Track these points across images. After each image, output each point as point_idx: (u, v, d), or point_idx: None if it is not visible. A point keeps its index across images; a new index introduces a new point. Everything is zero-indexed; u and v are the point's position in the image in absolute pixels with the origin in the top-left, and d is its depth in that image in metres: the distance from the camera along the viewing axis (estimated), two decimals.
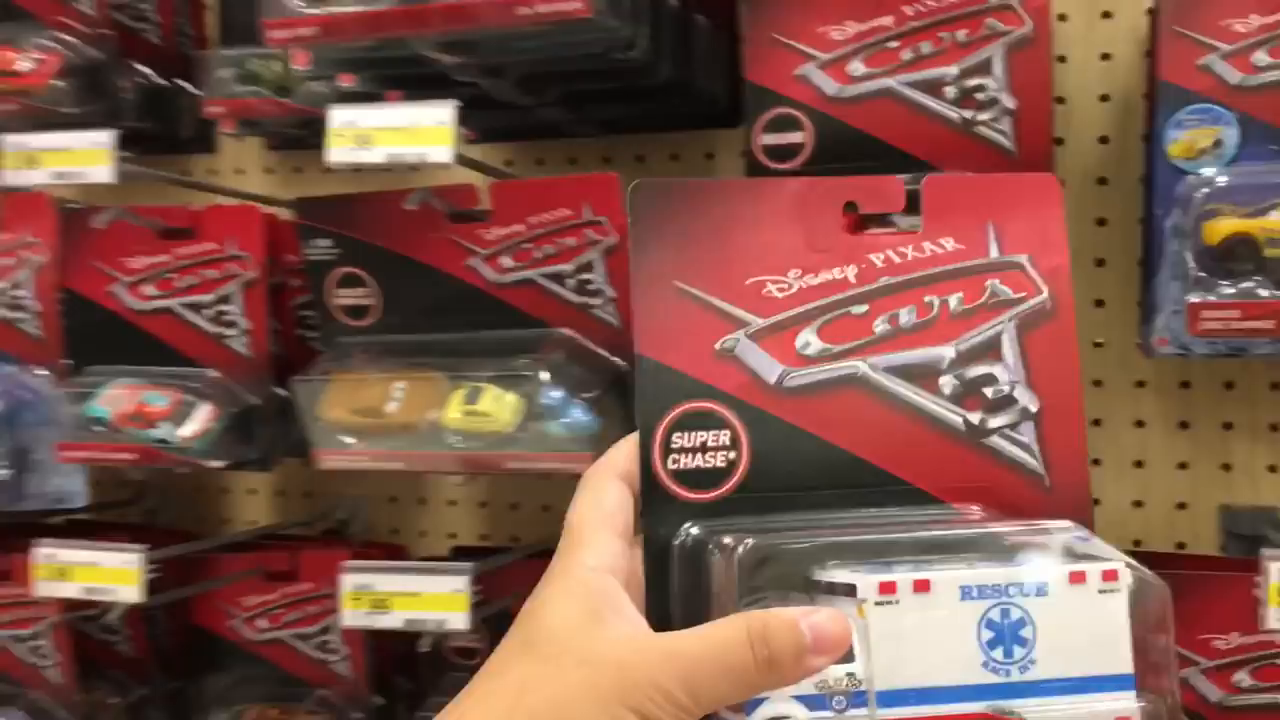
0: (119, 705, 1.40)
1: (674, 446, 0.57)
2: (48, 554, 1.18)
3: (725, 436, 0.57)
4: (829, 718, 0.52)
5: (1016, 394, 0.59)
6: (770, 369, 0.58)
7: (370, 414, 1.13)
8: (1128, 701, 0.54)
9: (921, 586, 0.53)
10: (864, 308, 0.59)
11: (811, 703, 0.52)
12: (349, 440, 1.12)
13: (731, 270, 0.59)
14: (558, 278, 1.15)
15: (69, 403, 1.17)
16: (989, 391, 0.59)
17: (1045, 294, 0.61)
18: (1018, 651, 0.53)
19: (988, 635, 0.53)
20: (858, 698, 0.53)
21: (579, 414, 1.10)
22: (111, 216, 1.17)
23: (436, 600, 1.10)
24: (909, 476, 0.58)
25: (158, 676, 1.42)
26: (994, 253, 0.61)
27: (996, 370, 0.59)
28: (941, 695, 0.53)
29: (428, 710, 1.26)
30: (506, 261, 1.15)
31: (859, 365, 0.59)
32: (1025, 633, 0.54)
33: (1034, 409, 0.59)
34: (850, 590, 0.53)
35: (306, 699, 1.33)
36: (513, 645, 0.54)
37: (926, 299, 0.60)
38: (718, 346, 0.58)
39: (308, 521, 1.42)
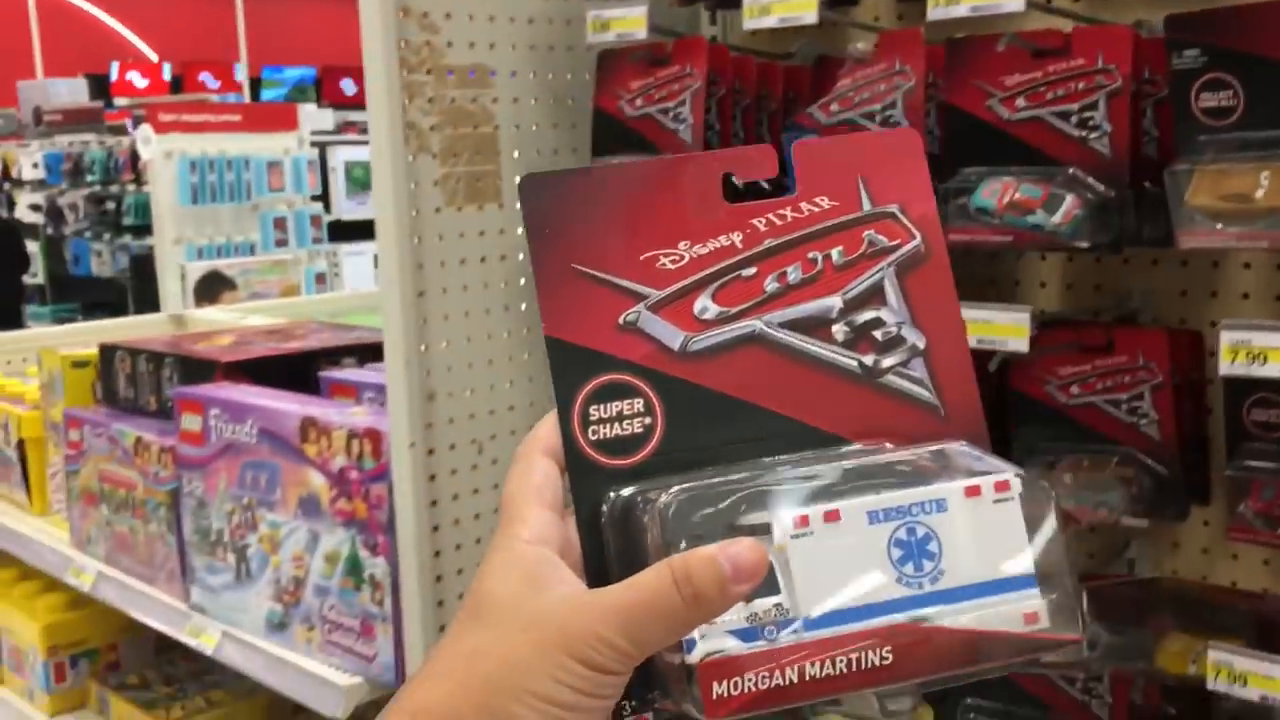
0: None
1: (592, 418, 0.60)
2: None
3: (639, 404, 0.60)
4: (762, 646, 0.55)
5: (904, 333, 0.63)
6: (673, 336, 0.61)
7: (1238, 199, 1.30)
8: (1032, 599, 0.58)
9: (831, 516, 0.57)
10: (753, 270, 0.62)
11: (745, 635, 0.55)
12: (1215, 225, 1.29)
13: (624, 248, 0.62)
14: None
15: (953, 196, 1.44)
16: (878, 334, 0.62)
17: (918, 239, 0.64)
18: (926, 565, 0.57)
19: (898, 553, 0.57)
20: (786, 624, 0.56)
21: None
22: (1007, 41, 1.41)
23: None
24: (817, 422, 0.61)
25: None
26: (867, 206, 0.64)
27: (883, 314, 0.63)
28: (862, 613, 0.56)
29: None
30: None
31: (755, 324, 0.62)
32: (931, 547, 0.57)
33: (921, 345, 0.63)
34: (767, 529, 0.57)
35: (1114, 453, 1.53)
36: (462, 617, 0.58)
37: (810, 255, 0.63)
38: (621, 321, 0.61)
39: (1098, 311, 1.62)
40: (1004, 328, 1.43)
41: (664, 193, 0.62)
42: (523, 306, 1.75)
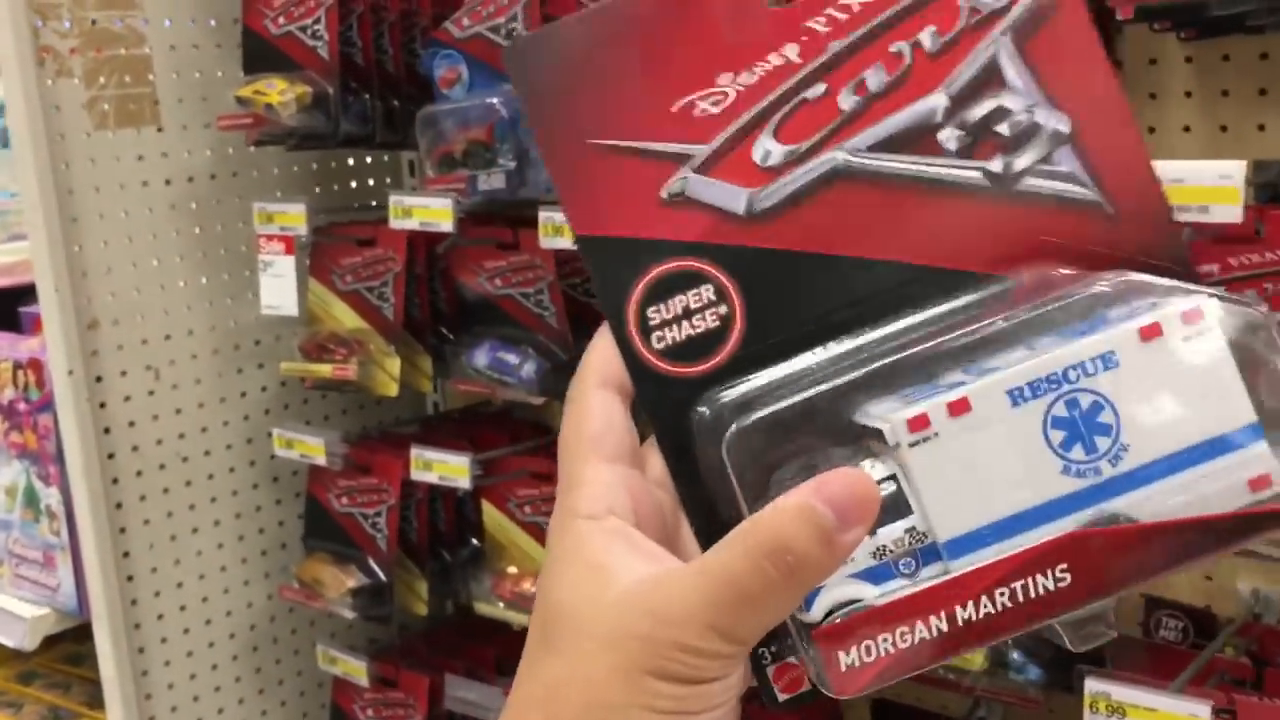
0: None
1: (653, 322, 0.48)
2: None
3: (709, 291, 0.48)
4: (902, 586, 0.45)
5: (1038, 119, 0.48)
6: (734, 198, 0.48)
7: None
8: (1260, 457, 0.44)
9: (959, 408, 0.45)
10: (821, 87, 0.49)
11: (876, 575, 0.45)
12: None
13: (650, 103, 0.48)
14: None
15: None
16: (1004, 128, 0.48)
17: None
18: (1101, 443, 0.45)
19: (1059, 436, 0.45)
20: (927, 554, 0.45)
21: None
22: None
23: None
24: (939, 260, 0.48)
25: None
26: None
27: (1005, 99, 0.48)
28: (1022, 523, 0.44)
29: None
30: None
31: (836, 155, 0.48)
32: (1104, 418, 0.45)
33: (1066, 129, 0.48)
34: (879, 435, 0.45)
35: None
36: (534, 638, 0.46)
37: (893, 48, 0.49)
38: (664, 195, 0.48)
39: None
40: None
41: (686, 17, 0.49)
42: (196, 230, 1.75)
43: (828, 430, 0.46)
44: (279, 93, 1.51)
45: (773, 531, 0.42)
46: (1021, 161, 0.48)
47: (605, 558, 0.45)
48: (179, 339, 1.73)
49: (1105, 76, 0.48)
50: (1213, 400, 0.45)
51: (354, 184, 1.91)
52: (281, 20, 1.59)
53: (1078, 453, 0.45)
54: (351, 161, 1.90)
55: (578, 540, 0.46)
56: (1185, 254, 0.47)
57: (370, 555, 1.69)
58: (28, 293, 2.07)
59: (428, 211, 1.46)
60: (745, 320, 0.48)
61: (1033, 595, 0.44)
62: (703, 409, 0.47)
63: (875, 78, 0.49)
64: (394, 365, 1.61)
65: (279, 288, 1.64)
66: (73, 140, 1.60)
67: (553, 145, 0.49)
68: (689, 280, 0.48)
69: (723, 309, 0.48)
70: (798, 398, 0.46)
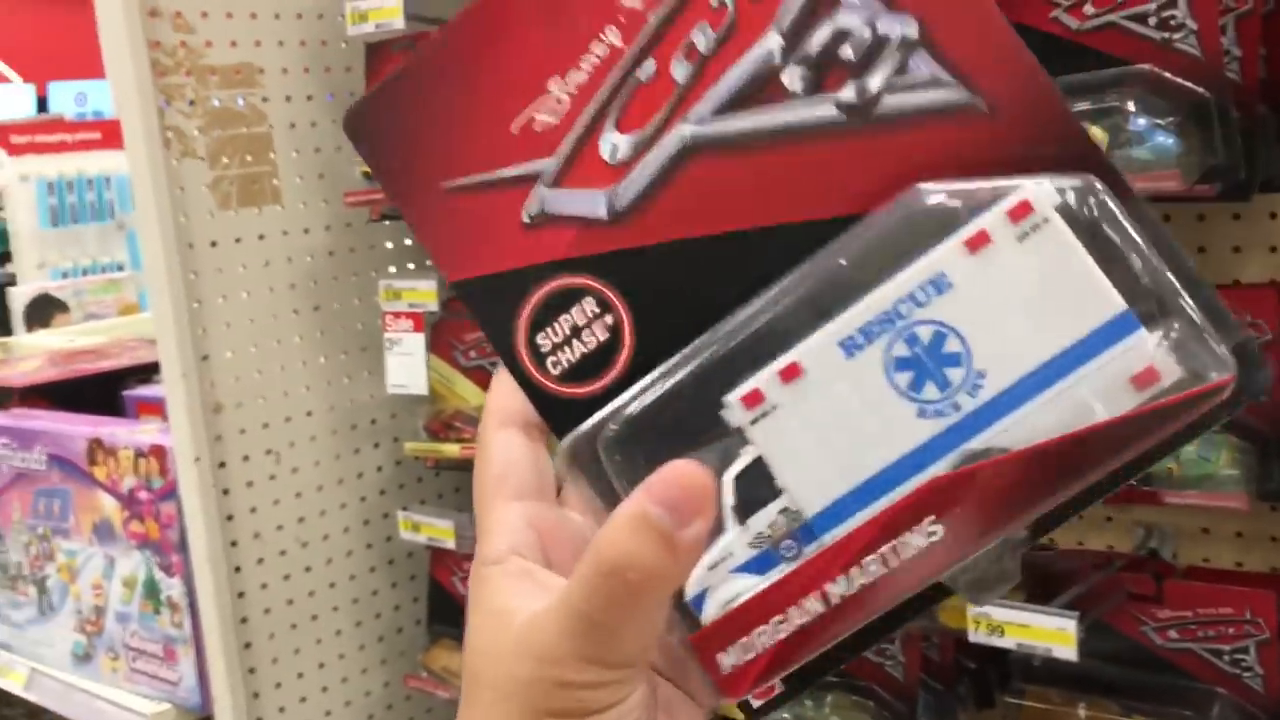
0: None
1: (544, 350, 0.46)
2: None
3: (591, 304, 0.45)
4: (788, 570, 0.41)
5: (881, 29, 0.42)
6: (593, 203, 0.45)
7: None
8: (1138, 347, 0.39)
9: (790, 373, 0.41)
10: (651, 64, 0.45)
11: (759, 565, 0.42)
12: None
13: (490, 130, 0.46)
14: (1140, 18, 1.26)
15: None
16: (847, 51, 0.43)
17: None
18: (953, 375, 0.40)
19: (905, 378, 0.41)
20: (806, 534, 0.42)
21: (1162, 138, 1.22)
22: None
23: None
24: (813, 214, 0.43)
25: None
26: None
27: (841, 20, 0.43)
28: (888, 481, 0.41)
29: None
30: None
31: (683, 131, 0.44)
32: (951, 347, 0.40)
33: (914, 33, 0.42)
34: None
35: None
36: (464, 688, 0.45)
37: (713, 2, 0.44)
38: (525, 219, 0.46)
39: None
40: None
41: (499, 34, 0.46)
42: (314, 308, 1.71)
43: (706, 420, 0.43)
44: None
45: (610, 548, 0.40)
46: (874, 82, 0.43)
47: (505, 602, 0.43)
48: (298, 420, 1.69)
49: None
50: (1070, 298, 0.39)
51: None
52: None
53: (930, 391, 0.40)
54: None
55: (484, 588, 0.44)
56: (1084, 139, 0.41)
57: None
58: (127, 376, 2.04)
59: None
60: (635, 326, 0.45)
61: (906, 557, 0.40)
62: (609, 425, 0.45)
63: (701, 37, 0.44)
64: None
65: (407, 366, 1.60)
66: (196, 221, 1.57)
67: (407, 198, 0.47)
68: (569, 298, 0.46)
69: (609, 319, 0.45)
70: (663, 390, 0.44)
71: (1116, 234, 0.40)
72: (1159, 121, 1.20)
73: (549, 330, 0.46)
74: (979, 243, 0.40)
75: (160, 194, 1.52)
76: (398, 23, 1.48)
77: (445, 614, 1.69)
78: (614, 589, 0.39)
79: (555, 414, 0.46)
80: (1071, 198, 0.40)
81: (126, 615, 1.67)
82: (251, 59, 1.62)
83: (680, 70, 0.45)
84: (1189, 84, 1.21)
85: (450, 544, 1.61)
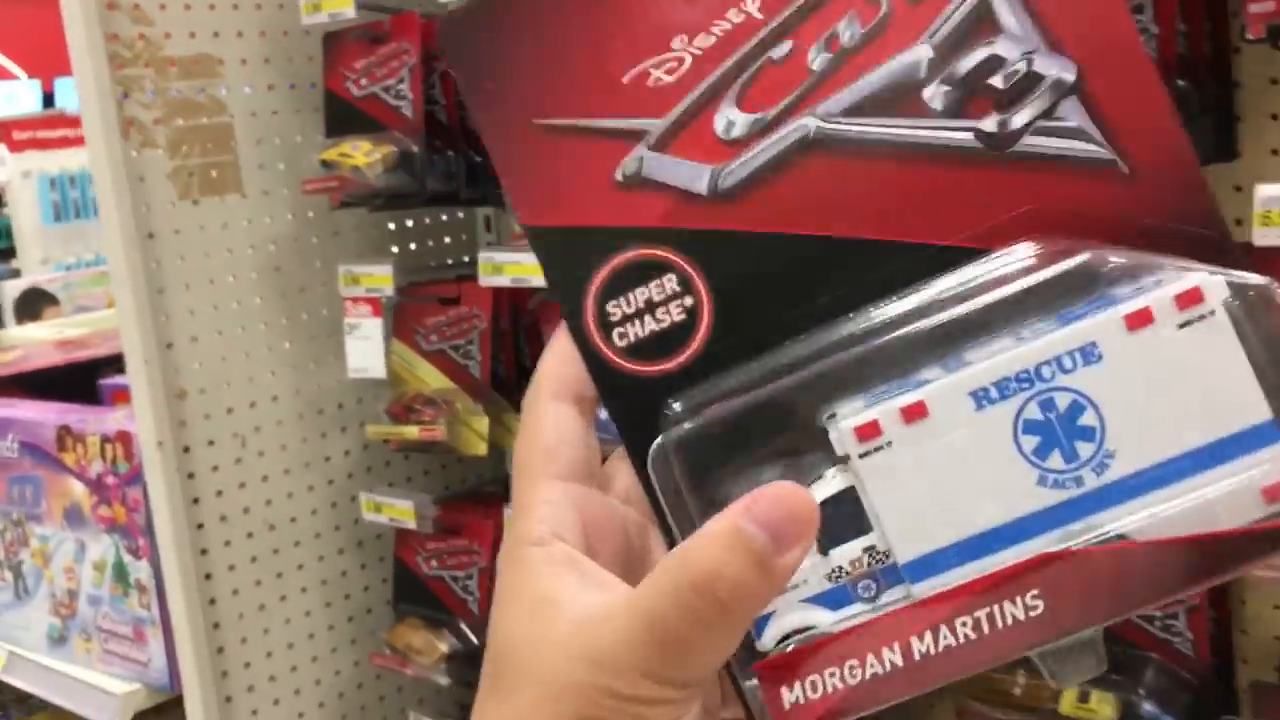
0: None
1: (614, 319, 0.43)
2: None
3: (672, 281, 0.43)
4: (861, 611, 0.40)
5: (1037, 67, 0.41)
6: (696, 176, 0.43)
7: None
8: (1277, 458, 0.37)
9: (914, 413, 0.39)
10: (787, 45, 0.42)
11: (832, 599, 0.40)
12: None
13: (599, 73, 0.43)
14: None
15: None
16: (998, 80, 0.41)
17: None
18: (1083, 450, 0.38)
19: (1033, 442, 0.39)
20: (889, 575, 0.40)
21: None
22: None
23: None
24: (929, 237, 0.41)
25: None
26: None
27: (999, 47, 0.41)
28: (993, 541, 0.39)
29: None
30: None
31: (807, 123, 0.42)
32: (1086, 420, 0.39)
33: (1070, 77, 0.40)
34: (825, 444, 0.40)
35: None
36: (485, 674, 0.42)
37: None
38: (619, 177, 0.43)
39: None
40: None
41: None
42: (279, 295, 1.74)
43: (794, 433, 0.41)
44: (364, 154, 1.51)
45: (701, 562, 0.37)
46: (1020, 118, 0.41)
47: (551, 590, 0.40)
48: (264, 406, 1.72)
49: (1116, 12, 0.40)
50: (1217, 396, 0.38)
51: (430, 243, 1.90)
52: (364, 82, 1.59)
53: (1055, 460, 0.39)
54: (428, 221, 1.90)
55: (523, 570, 0.41)
56: (1217, 216, 0.39)
57: (462, 619, 1.66)
58: (104, 365, 2.07)
59: (519, 268, 1.45)
60: (714, 312, 0.43)
61: (1000, 626, 0.38)
62: (669, 411, 0.42)
63: (848, 30, 0.42)
64: (482, 424, 1.59)
65: (366, 350, 1.63)
66: (158, 211, 1.60)
67: (493, 125, 0.44)
68: (649, 270, 0.43)
69: (688, 300, 0.43)
70: (755, 397, 0.41)
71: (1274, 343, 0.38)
72: None
73: (622, 300, 0.43)
74: (1139, 321, 0.38)
75: (120, 184, 1.54)
76: (349, 12, 1.51)
77: (410, 593, 1.72)
78: (699, 605, 0.37)
79: (609, 387, 0.43)
80: (1242, 295, 0.38)
81: (98, 598, 1.71)
82: (210, 50, 1.64)
83: (818, 59, 0.42)
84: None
85: (411, 524, 1.64)
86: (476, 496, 1.73)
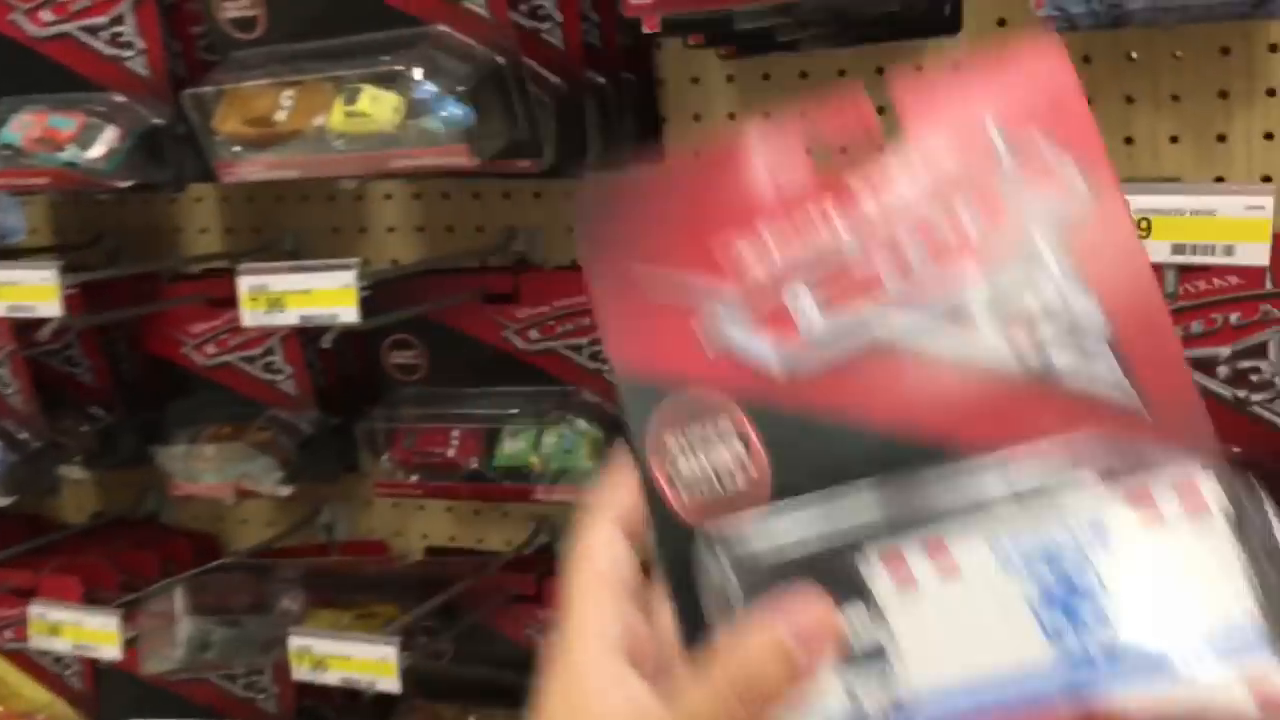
0: (89, 432, 1.50)
1: (682, 470, 0.48)
2: None
3: (739, 448, 0.48)
4: None
5: (1075, 309, 0.48)
6: (770, 354, 0.49)
7: (261, 124, 1.15)
8: (1264, 667, 0.41)
9: (948, 569, 0.45)
10: (858, 247, 0.49)
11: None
12: (238, 150, 1.13)
13: (692, 235, 0.50)
14: None
15: None
16: (1045, 326, 0.48)
17: (1079, 179, 0.48)
18: (1086, 614, 0.44)
19: (1042, 602, 0.44)
20: (899, 710, 0.43)
21: (454, 108, 1.09)
22: None
23: None
24: (973, 438, 0.47)
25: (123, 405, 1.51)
26: (1000, 145, 0.49)
27: (1044, 288, 0.48)
28: (995, 689, 0.44)
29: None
30: None
31: (873, 323, 0.49)
32: (1087, 585, 0.44)
33: (1104, 323, 0.48)
34: (857, 579, 0.45)
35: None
36: None
37: (933, 218, 0.49)
38: (702, 337, 0.49)
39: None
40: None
41: (737, 168, 0.50)
42: None
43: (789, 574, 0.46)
44: None
45: (744, 667, 0.43)
46: (1061, 359, 0.47)
47: (595, 694, 0.45)
48: None
49: (1142, 268, 0.48)
50: (1207, 589, 0.43)
51: None
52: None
53: (1060, 619, 0.43)
54: None
55: (572, 675, 0.46)
56: (1222, 454, 0.46)
57: None
58: None
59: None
60: (772, 486, 0.48)
61: None
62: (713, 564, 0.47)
63: (913, 245, 0.49)
64: None
65: None
66: None
67: (599, 274, 0.51)
68: (720, 434, 0.48)
69: (751, 467, 0.48)
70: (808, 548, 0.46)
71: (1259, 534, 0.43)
72: (451, 90, 1.06)
73: (690, 456, 0.48)
74: (1147, 513, 0.44)
75: None
76: None
77: None
78: (737, 708, 0.42)
79: (665, 528, 0.48)
80: (1245, 497, 0.44)
81: None
82: None
83: (885, 265, 0.49)
84: (480, 46, 1.08)
85: None
86: None
